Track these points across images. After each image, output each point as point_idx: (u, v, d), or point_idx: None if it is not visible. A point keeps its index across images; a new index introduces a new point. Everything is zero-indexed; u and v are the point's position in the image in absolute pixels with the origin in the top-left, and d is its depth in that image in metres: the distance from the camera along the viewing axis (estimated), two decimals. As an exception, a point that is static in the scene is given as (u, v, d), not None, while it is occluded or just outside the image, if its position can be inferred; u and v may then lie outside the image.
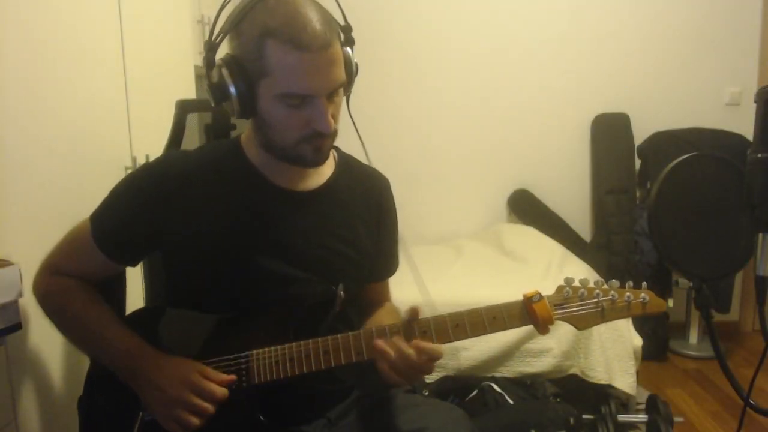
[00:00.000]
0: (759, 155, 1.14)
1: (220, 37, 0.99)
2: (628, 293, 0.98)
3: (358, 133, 1.12)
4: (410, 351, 0.94)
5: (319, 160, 1.04)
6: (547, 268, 2.41)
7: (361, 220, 1.15)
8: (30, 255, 1.11)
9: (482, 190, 3.31)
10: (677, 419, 2.05)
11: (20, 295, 1.10)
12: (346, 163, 1.18)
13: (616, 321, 2.12)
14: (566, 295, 0.99)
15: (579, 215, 3.30)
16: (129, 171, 1.55)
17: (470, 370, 2.09)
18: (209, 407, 0.94)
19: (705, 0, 3.12)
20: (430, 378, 2.03)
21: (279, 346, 0.98)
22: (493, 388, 1.99)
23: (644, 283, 1.00)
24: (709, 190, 2.48)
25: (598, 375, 2.09)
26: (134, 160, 1.64)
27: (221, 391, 0.95)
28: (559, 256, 2.58)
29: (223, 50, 1.00)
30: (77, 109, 1.41)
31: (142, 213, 1.04)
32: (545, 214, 3.24)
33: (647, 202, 2.77)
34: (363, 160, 1.20)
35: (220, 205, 1.05)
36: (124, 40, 1.63)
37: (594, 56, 3.19)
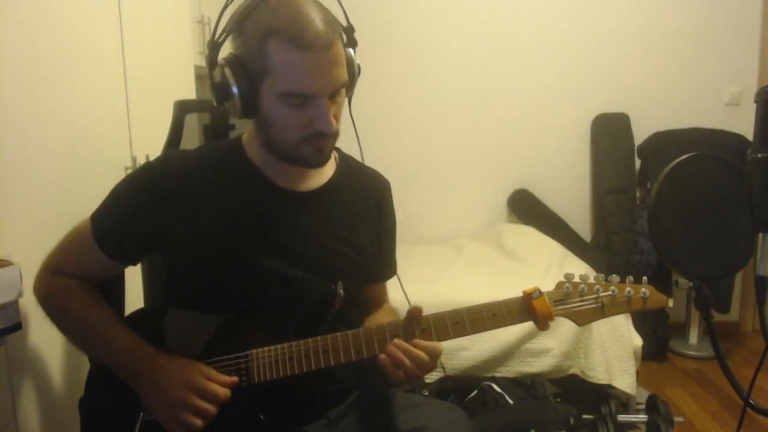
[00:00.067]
0: (759, 155, 1.14)
1: (222, 37, 0.99)
2: (628, 288, 0.98)
3: (356, 134, 1.13)
4: (420, 353, 0.95)
5: (320, 161, 1.04)
6: (547, 268, 2.42)
7: (361, 221, 1.15)
8: (30, 255, 1.11)
9: (482, 190, 3.31)
10: (677, 419, 2.05)
11: (20, 295, 1.09)
12: (347, 163, 1.18)
13: (616, 321, 2.15)
14: (566, 291, 0.99)
15: (579, 215, 3.30)
16: (129, 171, 1.55)
17: (470, 370, 2.08)
18: (212, 408, 0.94)
19: (705, 0, 3.12)
20: (430, 378, 2.03)
21: (278, 346, 0.98)
22: (493, 388, 1.99)
23: (644, 278, 0.99)
24: (709, 190, 2.49)
25: (598, 375, 2.09)
26: (134, 160, 1.64)
27: (224, 393, 0.95)
28: (559, 256, 2.58)
29: (225, 50, 1.00)
30: (77, 109, 1.41)
31: (143, 213, 1.04)
32: (545, 214, 3.24)
33: (647, 202, 2.77)
34: (360, 160, 1.20)
35: (221, 204, 1.05)
36: (124, 40, 1.63)
37: (594, 56, 3.19)
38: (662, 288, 1.00)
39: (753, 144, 1.16)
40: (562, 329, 2.09)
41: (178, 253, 1.06)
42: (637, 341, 2.19)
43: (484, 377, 2.06)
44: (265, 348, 0.99)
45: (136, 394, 0.99)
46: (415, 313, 0.98)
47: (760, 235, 1.16)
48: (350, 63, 1.02)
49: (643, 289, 0.98)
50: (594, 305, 0.98)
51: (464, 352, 2.08)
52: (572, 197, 3.29)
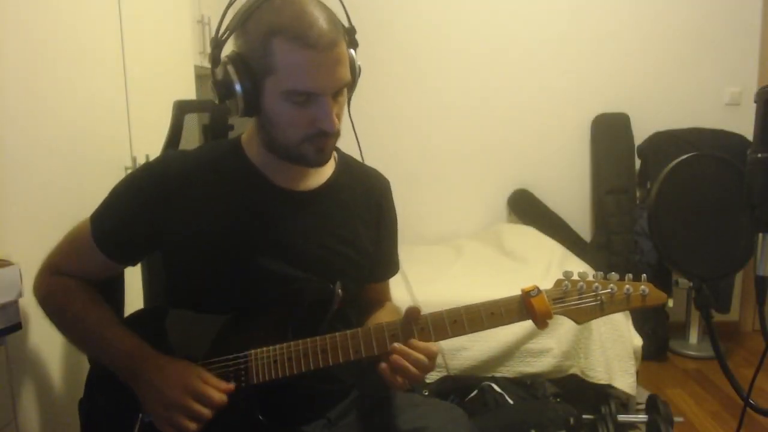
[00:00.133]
0: (759, 155, 1.14)
1: (226, 35, 0.99)
2: (627, 286, 0.98)
3: (355, 135, 1.12)
4: (419, 356, 0.95)
5: (321, 161, 1.04)
6: (547, 268, 2.42)
7: (361, 220, 1.15)
8: (30, 255, 1.11)
9: (482, 190, 3.31)
10: (677, 419, 2.05)
11: (20, 295, 1.09)
12: (346, 163, 1.18)
13: (616, 321, 2.15)
14: (565, 289, 0.98)
15: (579, 215, 3.30)
16: (129, 171, 1.55)
17: (470, 370, 2.08)
18: (206, 412, 0.93)
19: (705, 0, 3.12)
20: (430, 378, 2.03)
21: (277, 346, 0.98)
22: (493, 388, 1.99)
23: (643, 276, 0.99)
24: (709, 190, 2.48)
25: (598, 375, 2.09)
26: (134, 160, 1.64)
27: (219, 398, 0.95)
28: (559, 256, 2.58)
29: (227, 50, 1.00)
30: (77, 109, 1.41)
31: (142, 213, 1.04)
32: (545, 214, 3.23)
33: (647, 202, 2.77)
34: (360, 160, 1.20)
35: (220, 204, 1.05)
36: (124, 40, 1.63)
37: (594, 56, 3.19)
38: (662, 288, 1.00)
39: (753, 144, 1.16)
40: (562, 329, 2.09)
41: (178, 253, 1.06)
42: (637, 341, 2.19)
43: (484, 377, 2.06)
44: (264, 348, 0.99)
45: (136, 395, 0.99)
46: (413, 313, 0.98)
47: (760, 235, 1.16)
48: (352, 64, 1.02)
49: (642, 287, 0.98)
50: (593, 303, 0.98)
51: (464, 352, 2.08)
52: (572, 197, 3.29)
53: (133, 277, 1.32)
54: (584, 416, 1.96)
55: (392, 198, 1.23)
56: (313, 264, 1.07)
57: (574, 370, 2.11)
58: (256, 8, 0.95)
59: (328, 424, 1.11)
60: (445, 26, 3.19)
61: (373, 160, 1.19)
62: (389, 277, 1.26)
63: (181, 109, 1.42)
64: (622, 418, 2.05)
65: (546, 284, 1.00)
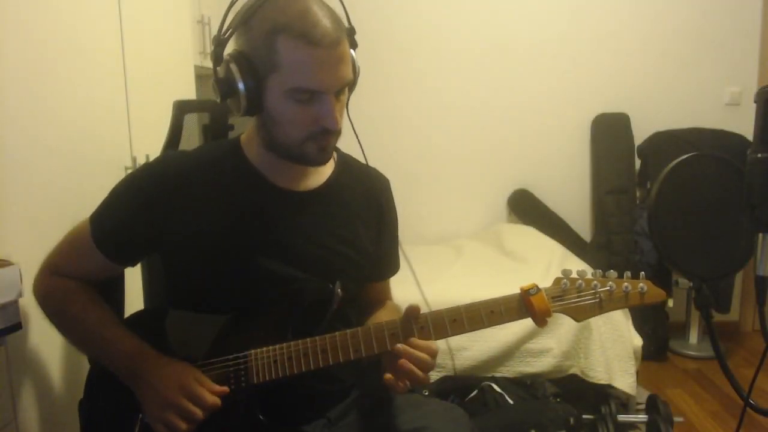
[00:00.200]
0: (759, 155, 1.14)
1: (228, 33, 0.99)
2: (626, 283, 0.98)
3: (355, 134, 1.12)
4: (422, 355, 0.95)
5: (323, 159, 1.04)
6: (547, 268, 2.42)
7: (361, 220, 1.15)
8: (30, 255, 1.11)
9: (482, 190, 3.31)
10: (677, 419, 2.05)
11: (20, 295, 1.09)
12: (346, 162, 1.18)
13: (616, 321, 2.15)
14: (564, 287, 0.99)
15: (579, 215, 3.30)
16: (129, 171, 1.55)
17: (470, 370, 2.08)
18: (198, 413, 0.93)
19: (705, 0, 3.12)
20: (430, 378, 2.03)
21: (277, 346, 0.98)
22: (493, 388, 1.99)
23: (642, 273, 0.99)
24: (709, 190, 2.48)
25: (598, 375, 2.09)
26: (134, 160, 1.64)
27: (213, 400, 0.95)
28: (559, 256, 2.58)
29: (229, 48, 1.00)
30: (77, 109, 1.41)
31: (142, 213, 1.04)
32: (545, 214, 3.24)
33: (647, 202, 2.77)
34: (362, 160, 1.20)
35: (220, 205, 1.05)
36: (124, 40, 1.63)
37: (594, 56, 3.19)
38: (662, 288, 1.00)
39: (753, 144, 1.16)
40: (562, 329, 2.09)
41: (178, 253, 1.06)
42: (637, 341, 2.19)
43: (484, 377, 2.06)
44: (264, 348, 0.99)
45: (136, 395, 0.99)
46: (412, 312, 0.98)
47: (760, 235, 1.16)
48: (353, 63, 1.02)
49: (641, 284, 0.98)
50: (592, 301, 0.98)
51: (464, 352, 2.08)
52: (572, 197, 3.29)
53: (133, 278, 1.32)
54: (584, 416, 1.96)
55: (392, 197, 1.23)
56: (313, 264, 1.07)
57: (574, 370, 2.11)
58: (260, 6, 0.95)
59: (328, 423, 1.11)
60: (445, 26, 3.19)
61: (373, 160, 1.19)
62: (389, 277, 1.26)
63: (181, 109, 1.42)
64: (622, 418, 2.05)
65: (546, 284, 1.00)
